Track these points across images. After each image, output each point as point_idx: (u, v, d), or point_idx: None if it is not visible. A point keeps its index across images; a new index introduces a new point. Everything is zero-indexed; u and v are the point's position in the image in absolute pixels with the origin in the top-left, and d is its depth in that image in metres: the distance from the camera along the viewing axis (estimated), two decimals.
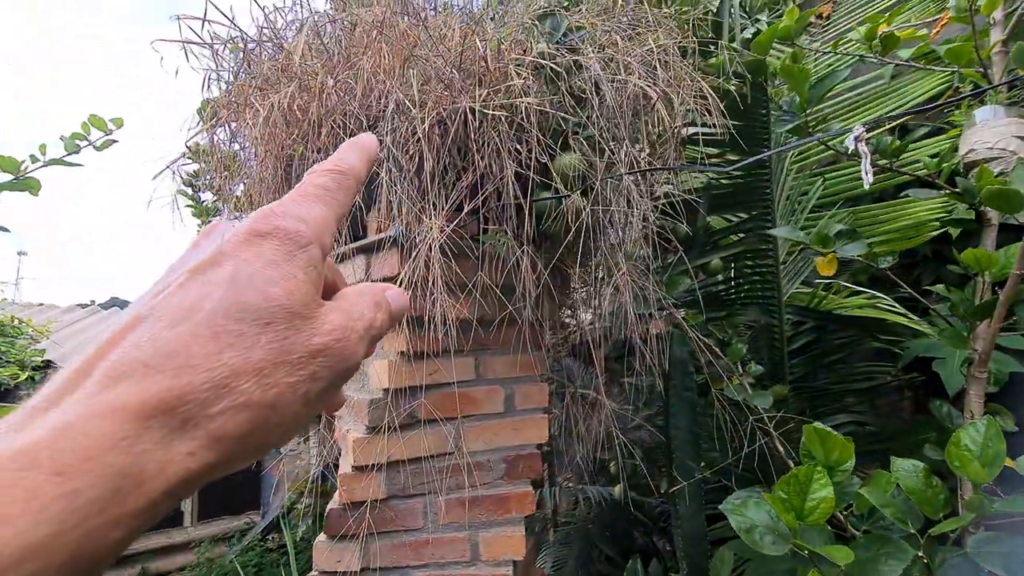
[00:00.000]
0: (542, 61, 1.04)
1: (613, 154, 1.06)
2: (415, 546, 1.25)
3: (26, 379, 4.20)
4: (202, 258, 0.23)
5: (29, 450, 0.17)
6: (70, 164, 1.03)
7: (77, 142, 1.04)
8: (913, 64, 1.45)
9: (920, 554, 0.88)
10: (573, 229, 1.09)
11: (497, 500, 1.30)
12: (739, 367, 1.52)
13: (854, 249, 1.11)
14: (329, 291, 0.28)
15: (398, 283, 1.16)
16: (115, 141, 1.09)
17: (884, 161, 1.18)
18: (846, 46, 1.58)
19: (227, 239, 0.24)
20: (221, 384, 0.20)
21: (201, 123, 2.63)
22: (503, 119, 1.03)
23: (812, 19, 2.20)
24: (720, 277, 1.91)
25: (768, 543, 0.97)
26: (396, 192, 1.05)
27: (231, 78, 1.39)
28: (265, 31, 1.32)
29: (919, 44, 1.51)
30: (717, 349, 1.38)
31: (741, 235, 1.69)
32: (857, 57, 1.51)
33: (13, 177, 0.97)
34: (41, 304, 7.68)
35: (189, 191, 3.65)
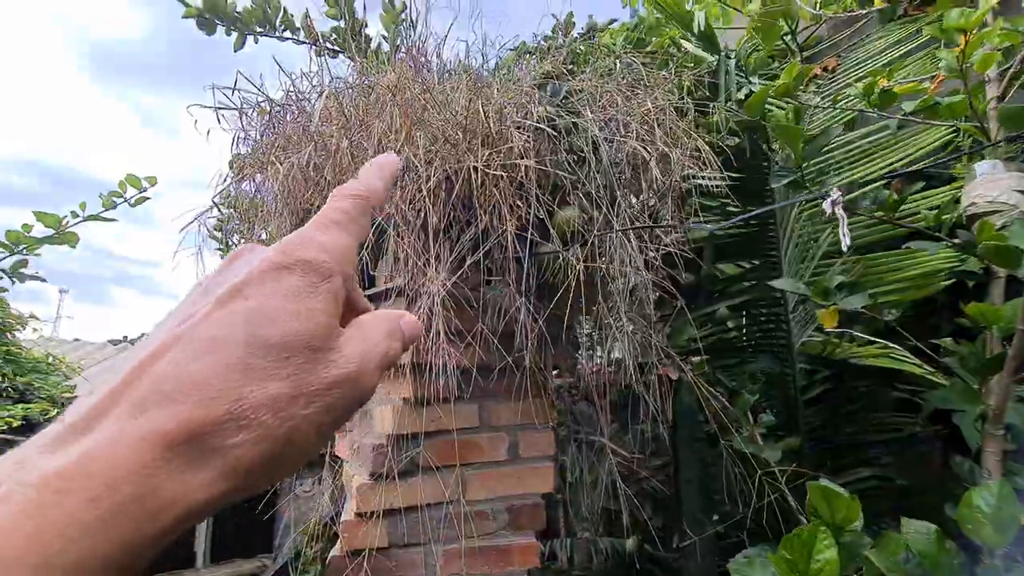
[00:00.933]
0: (541, 126, 1.10)
1: (610, 209, 1.10)
2: None
3: (56, 415, 4.32)
4: (230, 285, 0.24)
5: (64, 473, 0.19)
6: (106, 219, 1.12)
7: (114, 199, 1.13)
8: (912, 119, 1.47)
9: None
10: (573, 280, 1.12)
11: (500, 552, 1.28)
12: (749, 417, 1.49)
13: (856, 301, 1.11)
14: (352, 312, 0.29)
15: None
16: (148, 198, 1.18)
17: (881, 214, 1.19)
18: (845, 101, 1.62)
19: (254, 268, 0.24)
20: (240, 417, 0.21)
21: (231, 176, 2.78)
22: (504, 177, 1.09)
23: (818, 71, 2.26)
24: (730, 325, 1.90)
25: None
26: (403, 245, 1.11)
27: (258, 137, 1.50)
28: (290, 94, 1.42)
29: (922, 97, 1.54)
30: (725, 399, 1.37)
31: (749, 283, 1.70)
32: (855, 112, 1.55)
33: (54, 232, 1.05)
34: (76, 340, 7.97)
35: (219, 235, 3.83)
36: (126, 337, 8.30)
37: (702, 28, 1.28)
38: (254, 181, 1.49)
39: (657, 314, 1.26)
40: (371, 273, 1.31)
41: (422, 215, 1.11)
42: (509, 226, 1.07)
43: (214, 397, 0.21)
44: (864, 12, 2.41)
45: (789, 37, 2.20)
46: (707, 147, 1.18)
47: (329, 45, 2.43)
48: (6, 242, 1.00)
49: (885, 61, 2.19)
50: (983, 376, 1.10)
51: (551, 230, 1.09)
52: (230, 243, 4.17)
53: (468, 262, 1.11)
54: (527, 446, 1.42)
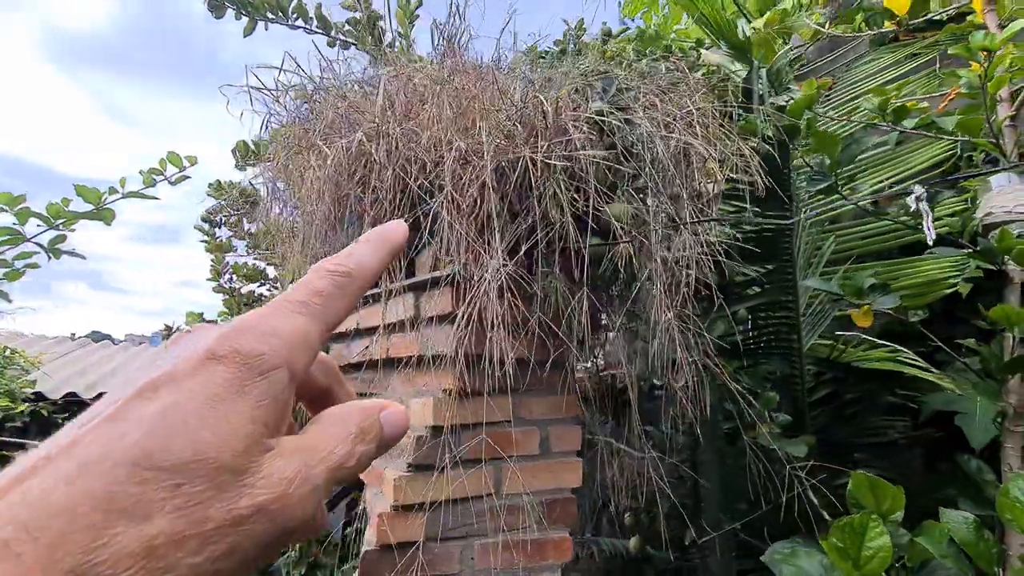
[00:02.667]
0: (597, 117, 1.12)
1: (660, 204, 1.12)
2: None
3: (19, 412, 4.08)
4: (148, 380, 0.20)
5: None
6: (147, 196, 1.07)
7: (154, 176, 1.08)
8: (922, 133, 1.56)
9: None
10: (623, 274, 1.14)
11: (535, 546, 1.28)
12: (768, 416, 1.53)
13: (888, 302, 1.16)
14: (323, 402, 0.25)
15: (452, 321, 1.19)
16: (188, 177, 1.13)
17: (907, 218, 1.25)
18: (858, 115, 1.70)
19: (187, 357, 0.20)
20: (95, 568, 0.16)
21: (236, 161, 2.70)
22: (561, 169, 1.10)
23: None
24: (740, 328, 1.95)
25: None
26: (455, 232, 1.10)
27: (288, 122, 1.47)
28: (327, 79, 1.40)
29: (921, 115, 1.63)
30: (750, 397, 1.40)
31: (764, 287, 1.75)
32: (864, 124, 1.63)
33: (93, 207, 1.01)
34: (29, 335, 7.53)
35: (206, 227, 3.70)
36: (74, 334, 7.92)
37: (746, 36, 1.33)
38: (285, 169, 1.45)
39: (693, 312, 1.29)
40: (411, 261, 1.30)
41: (477, 204, 1.11)
42: (567, 216, 1.08)
43: (72, 538, 0.16)
44: (849, 36, 2.54)
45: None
46: (749, 150, 1.22)
47: (342, 37, 2.40)
48: (46, 215, 0.95)
49: (882, 81, 2.31)
50: (1003, 376, 1.17)
51: (608, 222, 1.11)
52: (216, 235, 3.99)
53: (522, 251, 1.11)
54: (557, 440, 1.43)
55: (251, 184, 1.54)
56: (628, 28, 2.54)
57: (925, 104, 1.89)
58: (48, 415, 4.52)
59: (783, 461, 1.47)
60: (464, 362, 1.19)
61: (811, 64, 2.61)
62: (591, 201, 1.10)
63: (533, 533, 1.29)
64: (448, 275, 1.16)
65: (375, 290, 1.36)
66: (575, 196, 1.11)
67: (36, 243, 0.97)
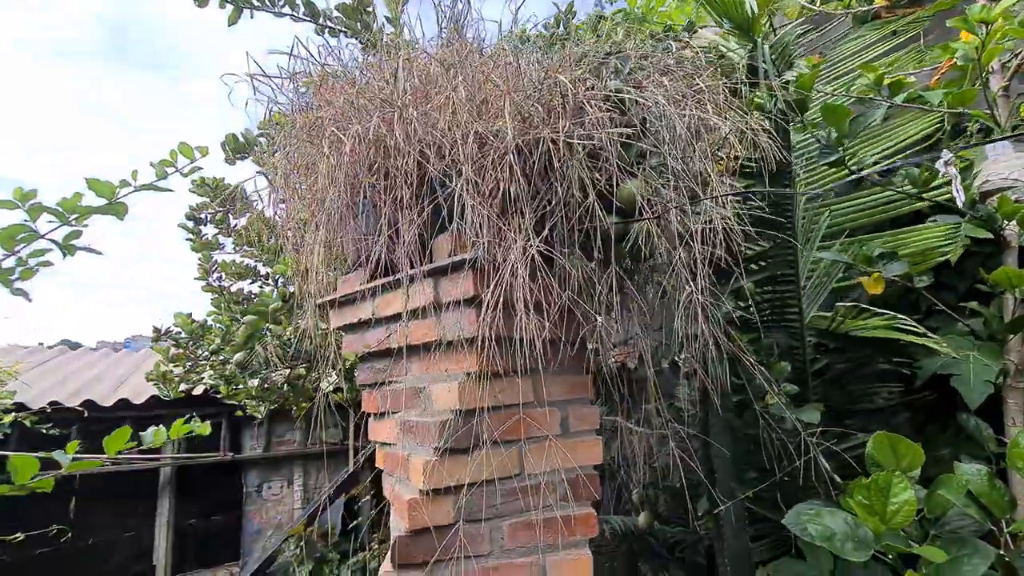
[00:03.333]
0: (615, 95, 1.12)
1: (680, 179, 1.14)
2: (483, 573, 1.23)
3: (1, 423, 3.94)
4: None
5: None
6: (160, 189, 1.04)
7: (166, 168, 1.06)
8: (916, 106, 1.60)
9: (1002, 552, 0.93)
10: (644, 250, 1.15)
11: (562, 523, 1.30)
12: (775, 386, 1.58)
13: (896, 268, 1.20)
14: None
15: (474, 304, 1.19)
16: (200, 168, 1.11)
17: (911, 188, 1.29)
18: (854, 89, 1.74)
19: None
20: None
21: (226, 155, 2.63)
22: (581, 148, 1.10)
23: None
24: (742, 304, 2.00)
25: (849, 549, 1.01)
26: (477, 214, 1.10)
27: (294, 111, 1.44)
28: (332, 67, 1.37)
29: (910, 90, 1.68)
30: (762, 368, 1.44)
31: (768, 261, 1.79)
32: (856, 99, 1.67)
33: (107, 201, 0.98)
34: (3, 346, 7.27)
35: (190, 224, 3.60)
36: (42, 344, 7.72)
37: (753, 13, 1.34)
38: (289, 158, 1.42)
39: (709, 286, 1.31)
40: (430, 248, 1.29)
41: (498, 185, 1.11)
42: (589, 195, 1.09)
43: None
44: (835, 13, 2.58)
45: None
46: (759, 126, 1.24)
47: (331, 24, 2.34)
48: (60, 210, 0.92)
49: (869, 57, 2.36)
50: (1004, 336, 1.23)
51: (630, 199, 1.12)
52: (202, 233, 3.89)
53: (545, 231, 1.12)
54: (577, 420, 1.45)
55: (256, 174, 1.50)
56: (603, 11, 2.55)
57: (913, 79, 1.94)
58: (31, 425, 4.38)
59: (793, 429, 1.52)
60: (488, 345, 1.20)
61: (796, 43, 2.65)
62: (613, 179, 1.11)
63: (559, 510, 1.31)
64: (470, 258, 1.16)
65: (392, 277, 1.35)
66: (596, 175, 1.12)
67: (50, 239, 0.94)
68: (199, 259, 3.53)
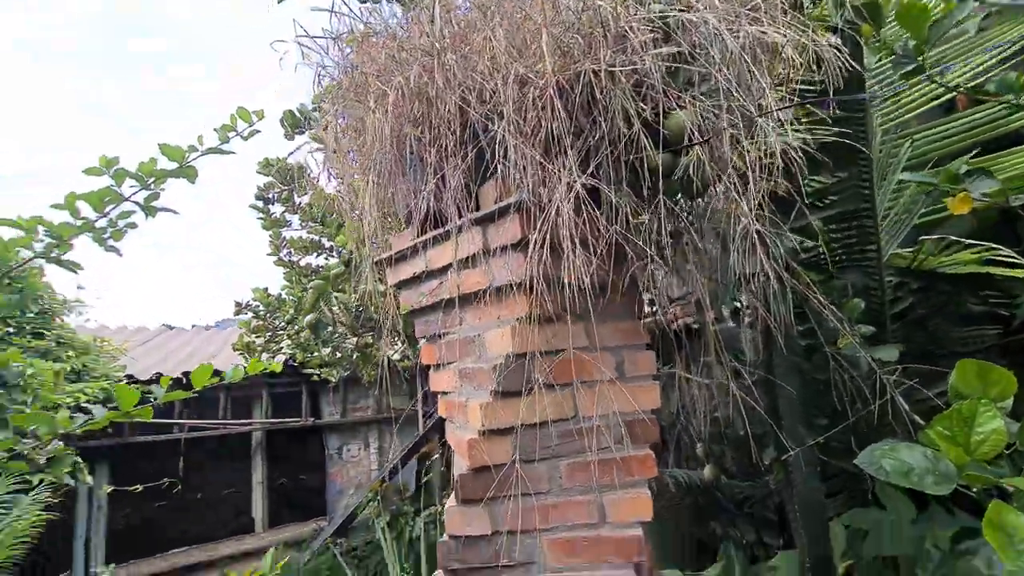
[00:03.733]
0: (660, 18, 1.07)
1: (733, 103, 1.07)
2: (543, 510, 1.27)
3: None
4: None
5: None
6: (223, 152, 1.11)
7: (227, 133, 1.12)
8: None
9: None
10: (696, 182, 1.10)
11: (619, 464, 1.31)
12: (849, 327, 1.48)
13: (984, 185, 1.08)
14: None
15: (522, 248, 1.20)
16: (258, 131, 1.17)
17: (1011, 97, 1.14)
18: None
19: None
20: None
21: (285, 132, 2.75)
22: (624, 78, 1.06)
23: None
24: (809, 243, 1.87)
25: (929, 483, 0.95)
26: (520, 156, 1.09)
27: (340, 74, 1.47)
28: (373, 24, 1.39)
29: None
30: (832, 308, 1.35)
31: (838, 196, 1.66)
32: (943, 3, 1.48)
33: (178, 165, 1.06)
34: (112, 328, 8.14)
35: (260, 204, 3.82)
36: (142, 327, 8.51)
37: None
38: (340, 121, 1.47)
39: (766, 217, 1.24)
40: (477, 196, 1.30)
41: (540, 125, 1.09)
42: (635, 127, 1.05)
43: None
44: None
45: None
46: (824, 42, 1.14)
47: None
48: (140, 175, 1.01)
49: None
50: None
51: (679, 128, 1.07)
52: (271, 212, 4.11)
53: (589, 169, 1.09)
54: (632, 364, 1.43)
55: (308, 144, 1.57)
56: None
57: None
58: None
59: (869, 372, 1.43)
60: (537, 288, 1.20)
61: None
62: (660, 108, 1.06)
63: (616, 452, 1.32)
64: (515, 202, 1.17)
65: (442, 229, 1.38)
66: (642, 105, 1.07)
67: (134, 201, 1.04)
68: (270, 236, 3.75)
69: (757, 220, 1.20)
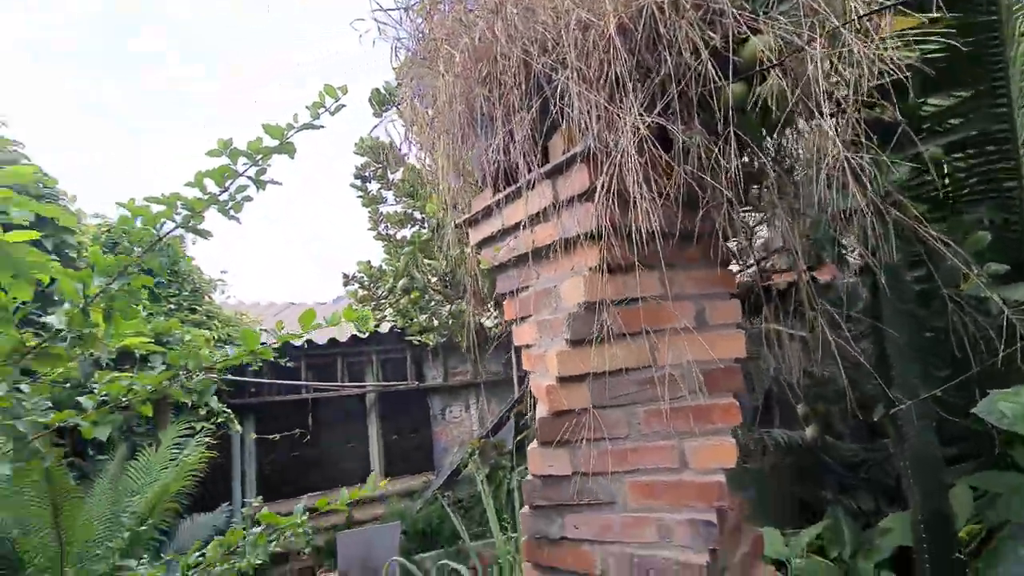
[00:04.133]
0: None
1: (816, 20, 0.98)
2: (621, 453, 1.30)
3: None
4: None
5: None
6: (315, 127, 1.24)
7: (318, 110, 1.24)
8: None
9: None
10: (775, 114, 1.03)
11: (699, 411, 1.29)
12: (973, 265, 1.31)
13: None
14: None
15: (591, 196, 1.21)
16: (344, 106, 1.28)
17: None
18: None
19: None
20: None
21: (373, 109, 2.93)
22: (688, 5, 1.01)
23: None
24: (929, 176, 1.65)
25: None
26: (585, 102, 1.09)
27: (412, 44, 1.54)
28: None
29: None
30: (954, 246, 1.20)
31: (964, 119, 1.45)
32: None
33: (279, 142, 1.19)
34: (249, 304, 9.30)
35: (358, 183, 4.12)
36: (258, 303, 9.60)
37: None
38: (418, 88, 1.54)
39: (863, 146, 1.12)
40: (546, 150, 1.32)
41: (604, 68, 1.08)
42: (703, 58, 1.00)
43: None
44: None
45: None
46: None
47: None
48: (250, 152, 1.16)
49: None
50: None
51: (752, 56, 1.00)
52: (368, 190, 4.40)
53: (657, 108, 1.07)
54: (714, 313, 1.39)
55: (390, 116, 1.67)
56: None
57: None
58: (275, 360, 5.64)
59: (998, 315, 1.25)
60: (606, 236, 1.21)
61: None
62: (730, 35, 1.00)
63: (698, 399, 1.30)
64: (582, 151, 1.17)
65: (514, 187, 1.42)
66: (710, 34, 1.02)
67: (248, 176, 1.20)
68: (368, 213, 4.04)
69: (853, 149, 1.10)
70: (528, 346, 1.60)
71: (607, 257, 1.25)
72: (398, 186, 4.06)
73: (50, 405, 1.07)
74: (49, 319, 0.98)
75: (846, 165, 1.06)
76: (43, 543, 2.30)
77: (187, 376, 1.31)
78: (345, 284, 4.27)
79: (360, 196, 4.13)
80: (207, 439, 3.28)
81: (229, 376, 4.93)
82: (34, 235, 1.11)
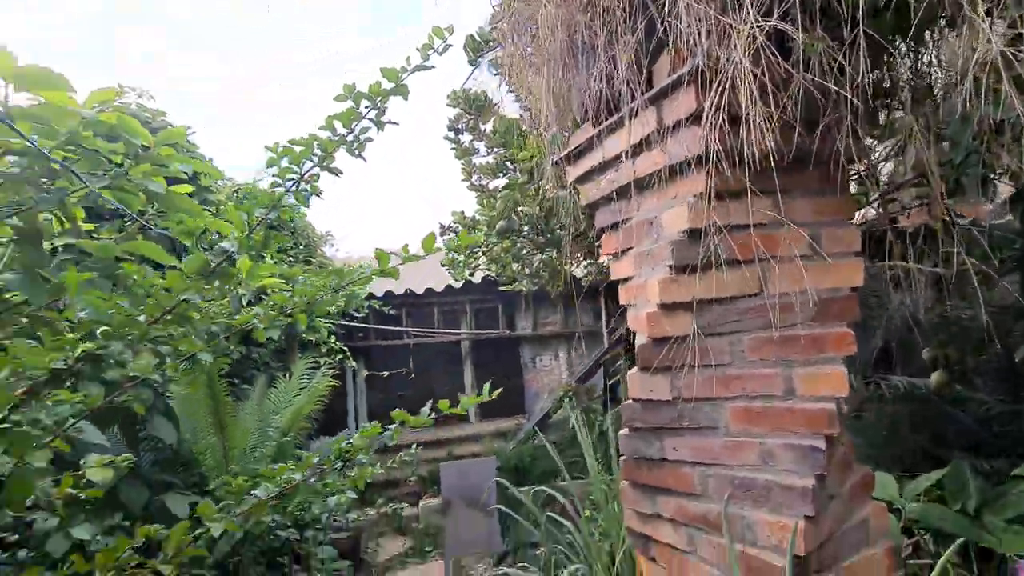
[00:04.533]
0: None
1: None
2: (724, 380, 1.31)
3: (362, 306, 5.56)
4: None
5: None
6: (425, 68, 1.31)
7: (427, 51, 1.31)
8: None
9: None
10: (915, 12, 0.94)
11: (810, 340, 1.26)
12: None
13: None
14: None
15: (698, 118, 1.18)
16: (450, 46, 1.33)
17: None
18: None
19: None
20: None
21: (468, 56, 2.98)
22: None
23: None
24: None
25: None
26: (694, 18, 1.06)
27: None
28: None
29: None
30: None
31: None
32: None
33: (394, 85, 1.28)
34: (349, 256, 10.03)
35: (451, 135, 4.24)
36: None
37: None
38: (517, 22, 1.56)
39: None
40: (649, 74, 1.30)
41: None
42: None
43: None
44: None
45: None
46: None
47: None
48: (371, 95, 1.27)
49: None
50: None
51: None
52: (460, 141, 4.52)
53: (775, 15, 1.01)
54: (831, 241, 1.33)
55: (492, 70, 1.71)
56: None
57: None
58: (378, 307, 6.12)
59: None
60: (714, 160, 1.18)
61: None
62: None
63: (807, 329, 1.27)
64: (689, 70, 1.14)
65: (616, 116, 1.42)
66: None
67: (369, 119, 1.32)
68: (462, 164, 4.16)
69: (1013, 49, 0.97)
70: (626, 280, 1.62)
71: (715, 182, 1.22)
72: (490, 137, 4.12)
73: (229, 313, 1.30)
74: (223, 244, 1.18)
75: (1001, 65, 0.94)
76: (210, 446, 2.79)
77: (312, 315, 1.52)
78: (442, 234, 4.49)
79: (453, 148, 4.26)
80: (330, 371, 3.71)
81: (341, 321, 5.46)
82: (189, 188, 1.33)
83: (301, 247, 6.09)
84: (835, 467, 1.27)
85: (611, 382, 4.42)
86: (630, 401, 1.47)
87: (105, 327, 1.06)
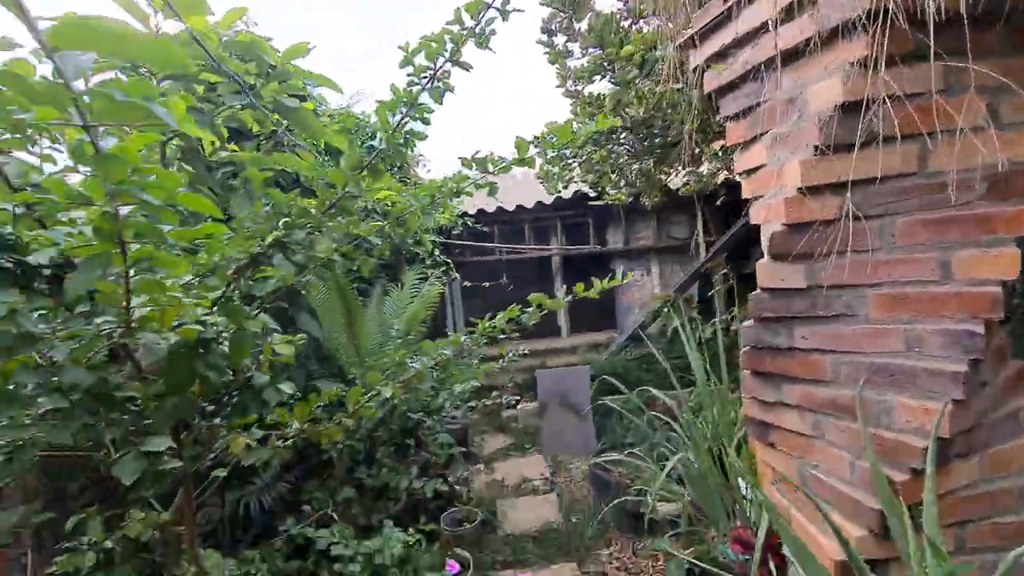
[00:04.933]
0: None
1: None
2: (868, 266, 1.26)
3: (456, 223, 5.72)
4: None
5: None
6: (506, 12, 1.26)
7: None
8: None
9: None
10: None
11: (976, 220, 1.16)
12: None
13: None
14: None
15: None
16: None
17: None
18: None
19: None
20: None
21: None
22: None
23: None
24: None
25: None
26: None
27: None
28: None
29: None
30: None
31: None
32: None
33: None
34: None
35: (544, 38, 4.05)
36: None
37: None
38: None
39: None
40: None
41: None
42: None
43: None
44: None
45: None
46: None
47: None
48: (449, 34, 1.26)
49: None
50: None
51: None
52: (554, 44, 4.30)
53: None
54: (1012, 110, 1.17)
55: None
56: None
57: None
58: (470, 225, 6.31)
59: None
60: (883, 18, 1.05)
61: None
62: None
63: (972, 208, 1.16)
64: None
65: None
66: None
67: (495, 7, 1.31)
68: (556, 69, 3.99)
69: None
70: (754, 170, 1.55)
71: (878, 46, 1.10)
72: (584, 36, 3.89)
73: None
74: (371, 142, 1.28)
75: None
76: (343, 344, 3.16)
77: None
78: (534, 145, 4.43)
79: (547, 52, 4.08)
80: (436, 281, 3.97)
81: (438, 239, 5.70)
82: (311, 106, 1.43)
83: (396, 168, 6.31)
84: (991, 355, 1.21)
85: (710, 293, 4.33)
86: (758, 291, 1.46)
87: (286, 218, 1.22)
